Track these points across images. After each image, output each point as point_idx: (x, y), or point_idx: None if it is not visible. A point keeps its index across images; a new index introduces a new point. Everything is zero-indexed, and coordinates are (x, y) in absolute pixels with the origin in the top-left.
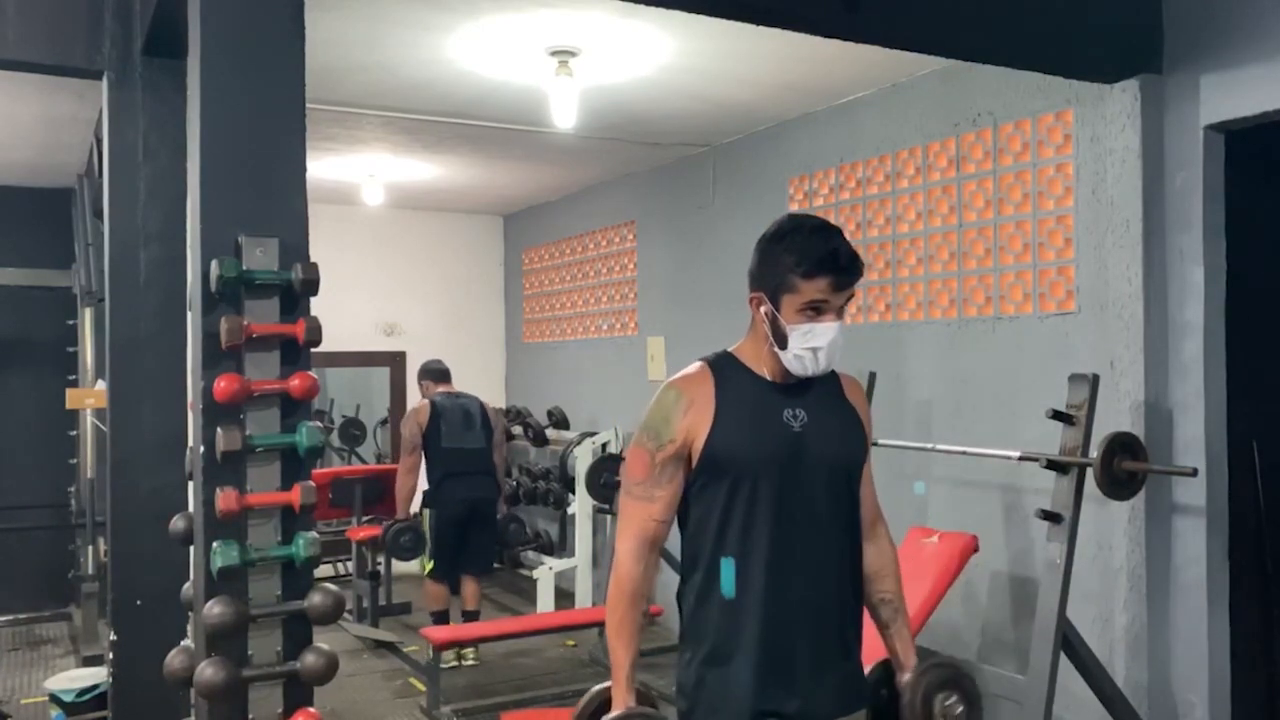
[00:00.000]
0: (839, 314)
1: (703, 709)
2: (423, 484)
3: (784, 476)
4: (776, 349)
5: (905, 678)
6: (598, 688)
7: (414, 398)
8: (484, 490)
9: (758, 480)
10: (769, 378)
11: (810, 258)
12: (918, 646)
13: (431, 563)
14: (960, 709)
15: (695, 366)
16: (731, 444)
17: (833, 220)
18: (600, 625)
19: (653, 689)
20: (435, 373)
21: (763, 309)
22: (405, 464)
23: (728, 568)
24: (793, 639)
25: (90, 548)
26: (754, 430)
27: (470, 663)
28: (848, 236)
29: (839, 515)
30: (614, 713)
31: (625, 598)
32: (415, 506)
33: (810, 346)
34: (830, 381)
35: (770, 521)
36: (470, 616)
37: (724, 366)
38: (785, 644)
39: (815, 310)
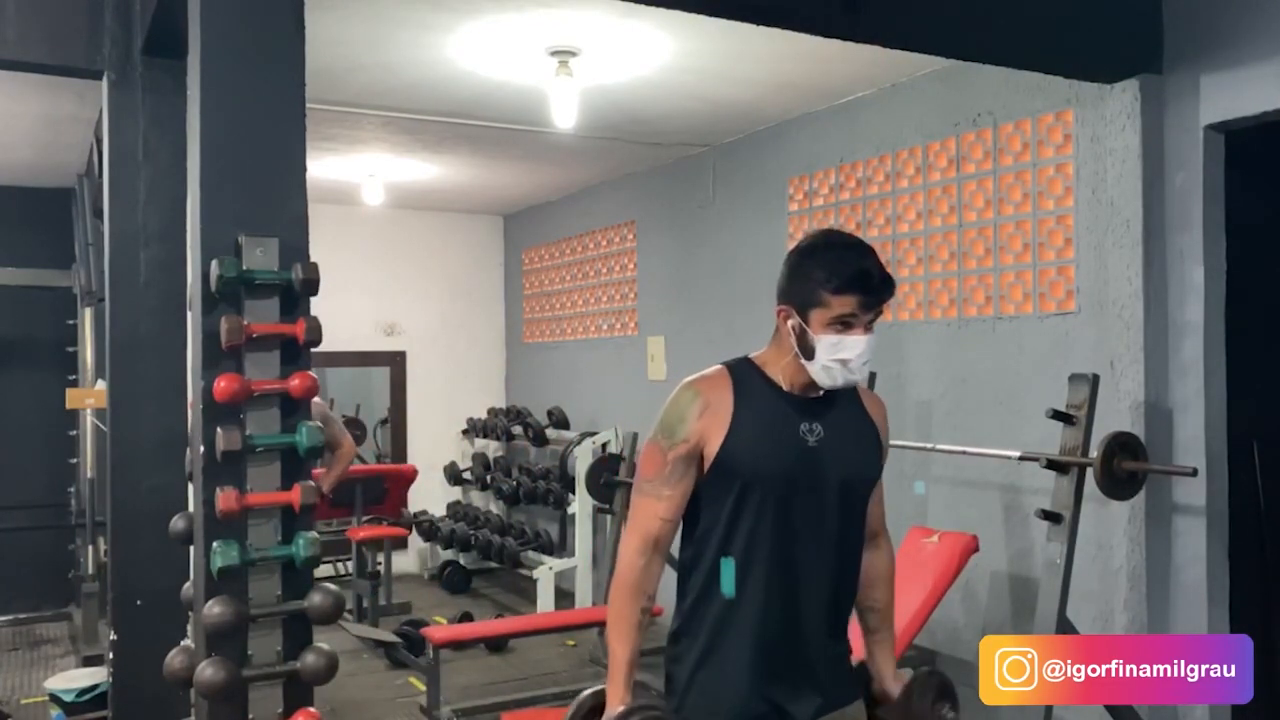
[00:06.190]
0: (868, 328)
1: (695, 708)
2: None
3: (794, 490)
4: (804, 361)
5: (888, 687)
6: (588, 692)
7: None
8: None
9: (767, 491)
10: (789, 390)
11: (841, 275)
12: (919, 648)
13: None
14: (952, 717)
15: (715, 369)
16: (745, 453)
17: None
18: (600, 624)
19: (652, 689)
20: None
21: (790, 322)
22: None
23: (728, 571)
24: (787, 644)
25: (90, 548)
26: (769, 442)
27: None
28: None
29: (844, 530)
30: (613, 711)
31: (624, 589)
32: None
33: (839, 358)
34: (852, 397)
35: (775, 531)
36: None
37: (744, 373)
38: (780, 649)
39: (844, 325)
